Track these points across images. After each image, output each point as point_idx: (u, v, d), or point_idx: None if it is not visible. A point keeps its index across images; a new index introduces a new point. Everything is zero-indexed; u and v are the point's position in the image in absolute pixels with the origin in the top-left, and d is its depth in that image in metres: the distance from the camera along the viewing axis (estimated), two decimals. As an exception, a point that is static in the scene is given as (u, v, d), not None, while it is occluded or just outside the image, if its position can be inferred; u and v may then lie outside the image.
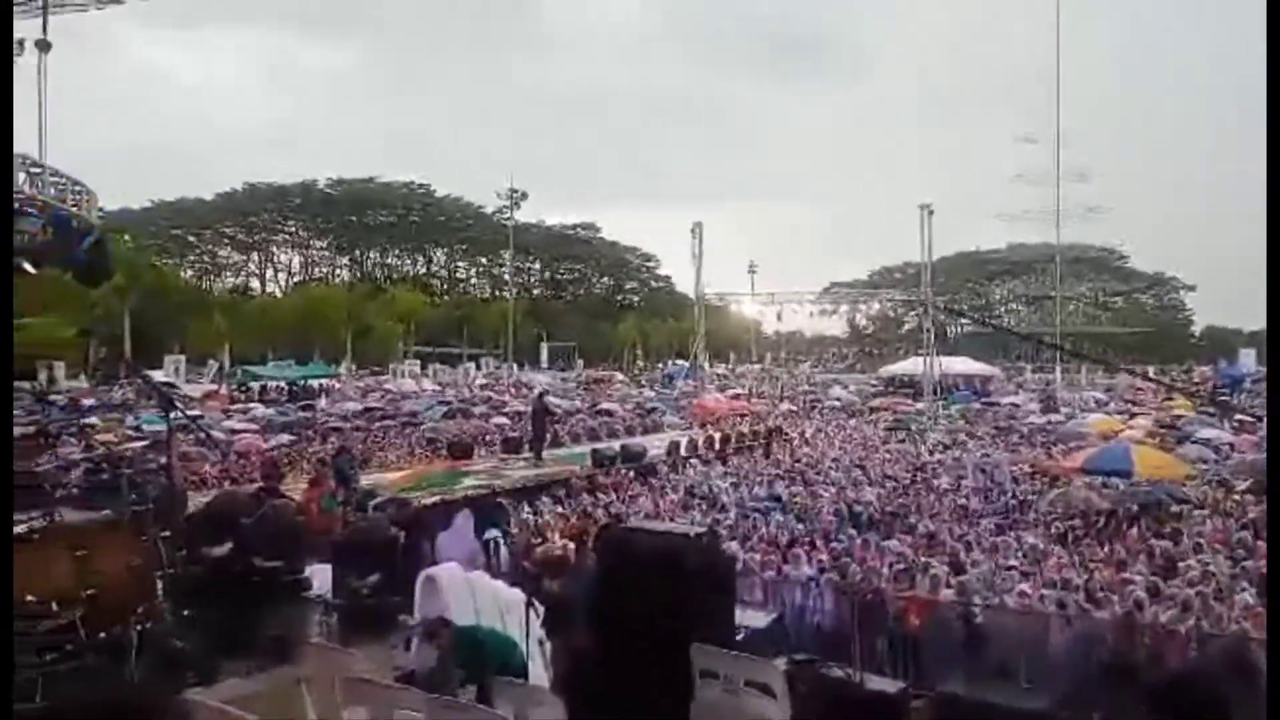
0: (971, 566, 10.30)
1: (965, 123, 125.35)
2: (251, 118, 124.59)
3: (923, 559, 10.52)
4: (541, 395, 25.88)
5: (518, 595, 6.74)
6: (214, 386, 41.79)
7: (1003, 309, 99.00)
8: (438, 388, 47.08)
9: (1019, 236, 79.08)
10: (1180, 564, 10.45)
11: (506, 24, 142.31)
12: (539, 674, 5.72)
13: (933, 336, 37.93)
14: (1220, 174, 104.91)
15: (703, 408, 35.64)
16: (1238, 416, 28.41)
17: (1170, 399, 37.25)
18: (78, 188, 11.36)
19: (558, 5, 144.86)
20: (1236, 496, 15.16)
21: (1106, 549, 11.67)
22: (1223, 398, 36.68)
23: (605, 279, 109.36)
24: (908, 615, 8.92)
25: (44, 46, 16.60)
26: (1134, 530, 12.81)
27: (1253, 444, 22.82)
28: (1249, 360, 61.18)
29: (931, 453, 23.15)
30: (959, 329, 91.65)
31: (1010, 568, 10.35)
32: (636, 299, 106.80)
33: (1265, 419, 21.92)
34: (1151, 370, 54.02)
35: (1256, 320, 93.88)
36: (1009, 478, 18.05)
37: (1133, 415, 31.98)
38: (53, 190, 10.63)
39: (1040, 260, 78.02)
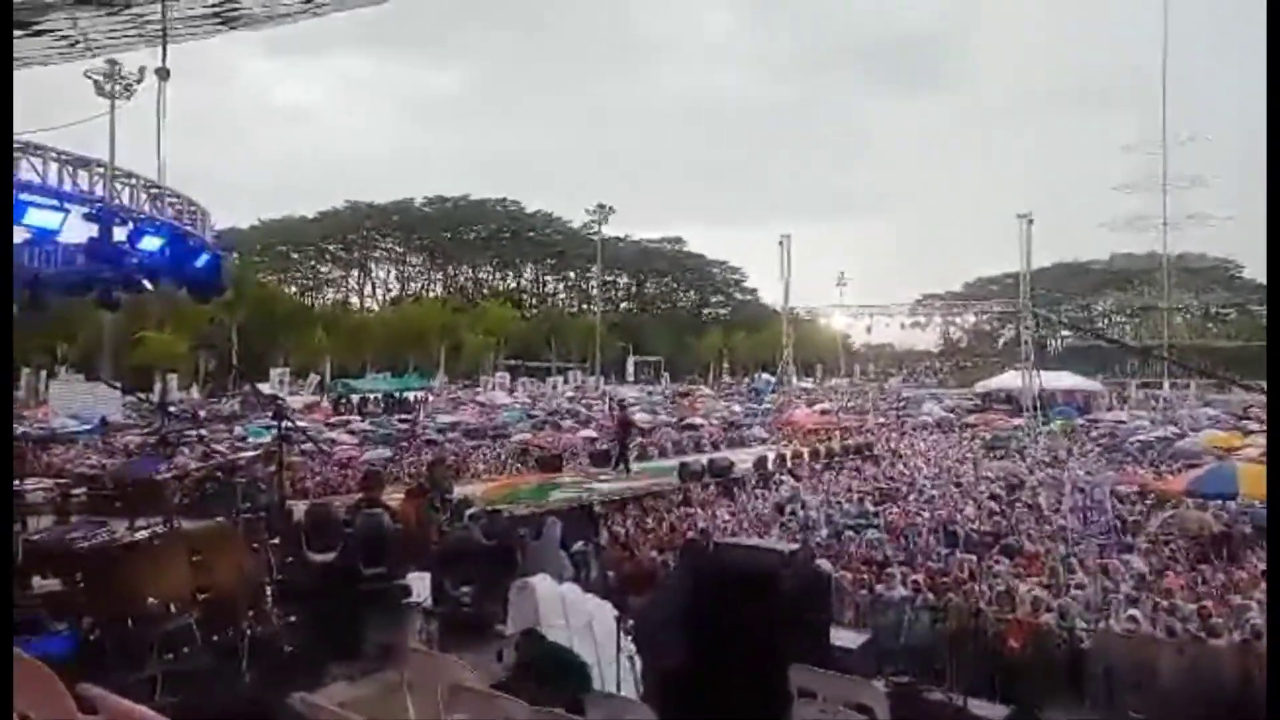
0: (1075, 589, 9.94)
1: (1068, 129, 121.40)
2: (355, 139, 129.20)
3: (1023, 580, 10.20)
4: (624, 407, 26.04)
5: (608, 608, 6.80)
6: (315, 398, 43.33)
7: (1105, 320, 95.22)
8: (527, 400, 47.77)
9: (1124, 246, 76.15)
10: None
11: (598, 40, 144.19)
12: (630, 688, 5.75)
13: (1031, 349, 36.69)
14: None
15: (790, 422, 35.27)
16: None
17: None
18: (193, 207, 11.97)
19: (649, 19, 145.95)
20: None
21: (1221, 574, 11.11)
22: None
23: (691, 293, 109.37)
24: (1007, 638, 8.66)
25: (163, 75, 17.57)
26: (1250, 554, 12.15)
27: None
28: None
29: (1031, 471, 22.39)
30: (1059, 342, 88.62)
31: (1116, 591, 9.95)
32: (723, 312, 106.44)
33: (1266, 419, 20.57)
34: (1266, 386, 51.10)
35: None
36: (1112, 497, 17.33)
37: (1247, 433, 30.31)
38: (170, 211, 11.23)
39: (1145, 270, 74.88)
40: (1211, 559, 11.95)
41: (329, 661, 5.66)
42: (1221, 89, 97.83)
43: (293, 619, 6.54)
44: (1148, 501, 16.77)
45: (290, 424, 10.16)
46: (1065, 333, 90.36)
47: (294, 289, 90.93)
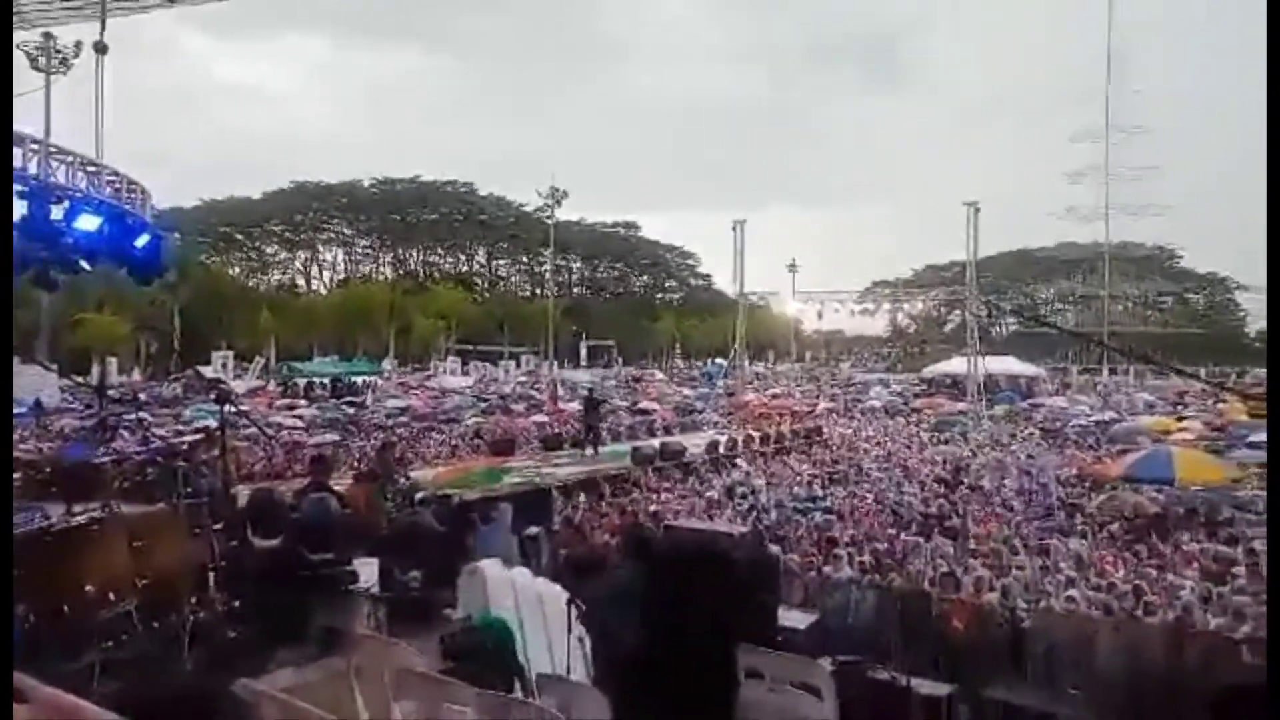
0: (1016, 570, 10.17)
1: (1018, 121, 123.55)
2: (303, 120, 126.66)
3: (967, 561, 10.41)
4: (592, 391, 26.03)
5: (559, 592, 6.79)
6: (260, 382, 42.55)
7: (1048, 308, 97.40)
8: (479, 384, 47.47)
9: (1070, 235, 77.83)
10: (1231, 570, 10.23)
11: (558, 28, 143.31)
12: (580, 670, 5.75)
13: (977, 336, 37.38)
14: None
15: (742, 407, 35.54)
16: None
17: (1222, 402, 36.37)
18: (133, 186, 11.62)
19: (609, 10, 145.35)
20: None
21: (1155, 554, 11.46)
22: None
23: (645, 277, 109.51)
24: (951, 618, 8.83)
25: (101, 49, 17.03)
26: (1184, 535, 12.55)
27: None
28: (1306, 362, 59.45)
29: (975, 454, 22.85)
30: (1003, 329, 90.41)
31: (1056, 572, 10.21)
32: (676, 297, 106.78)
33: (1266, 418, 21.32)
34: (1203, 373, 52.82)
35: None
36: (1054, 480, 17.76)
37: (1181, 419, 31.26)
38: (109, 189, 10.90)
39: (1089, 259, 76.65)
40: (1146, 540, 12.30)
41: (274, 648, 5.58)
42: (1164, 83, 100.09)
43: (236, 605, 6.43)
44: (1086, 484, 17.20)
45: (233, 408, 9.97)
46: (1010, 319, 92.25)
47: (238, 271, 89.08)
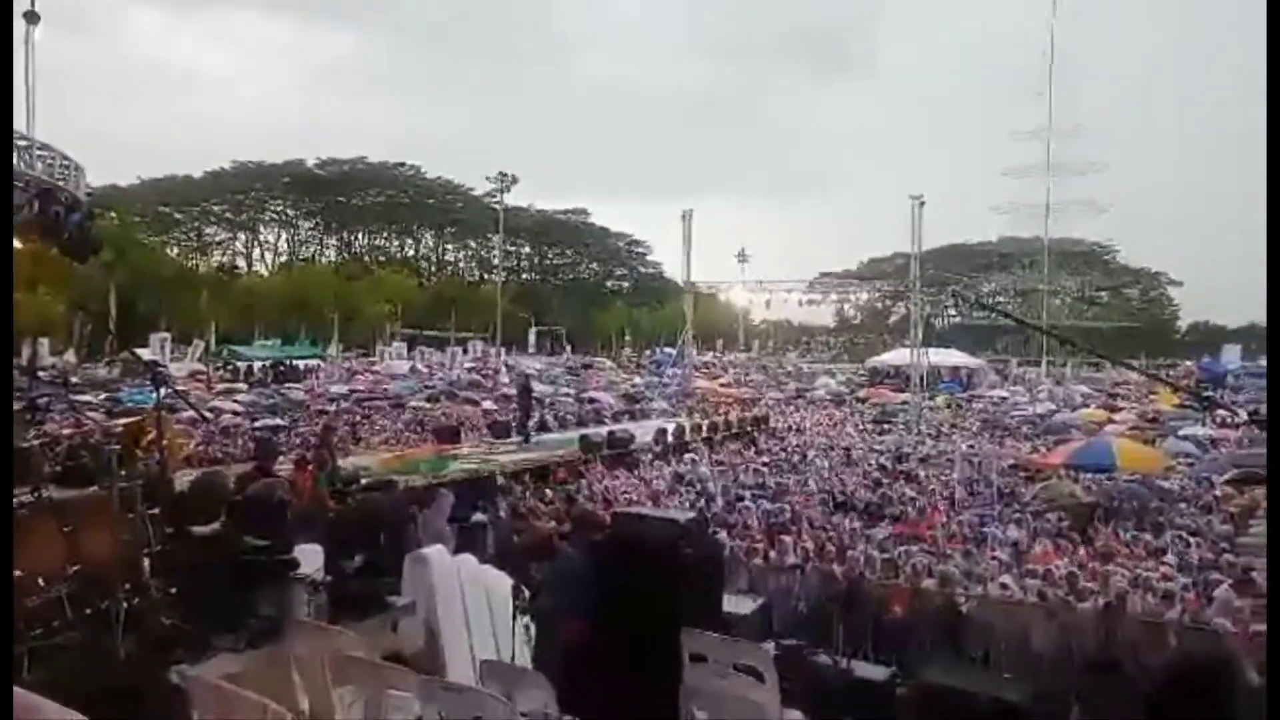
0: (955, 557, 10.39)
1: (963, 117, 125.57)
2: (246, 99, 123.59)
3: (906, 548, 10.60)
4: (525, 376, 25.87)
5: (505, 579, 6.77)
6: (200, 366, 41.54)
7: (990, 301, 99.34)
8: (425, 370, 46.94)
9: (1011, 230, 79.39)
10: (1161, 556, 10.58)
11: (508, 13, 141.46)
12: (526, 657, 5.75)
13: (920, 328, 38.00)
14: (1211, 172, 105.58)
15: (690, 395, 35.69)
16: (1220, 411, 28.68)
17: (1154, 393, 37.55)
18: (65, 163, 11.23)
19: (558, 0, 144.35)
20: (1217, 491, 15.31)
21: (1089, 541, 11.78)
22: (1206, 393, 36.97)
23: (595, 265, 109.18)
24: (891, 603, 9.00)
25: (32, 19, 16.38)
26: (1116, 523, 12.93)
27: (1234, 439, 23.08)
28: (1233, 355, 61.77)
29: (917, 444, 23.27)
30: (945, 321, 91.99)
31: (993, 558, 10.44)
32: (626, 285, 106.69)
33: (1267, 419, 22.06)
34: (1137, 365, 54.37)
35: (1242, 316, 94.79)
36: (994, 470, 18.16)
37: (1116, 410, 32.21)
38: (40, 165, 10.51)
39: (1029, 254, 78.31)
40: (1081, 528, 12.64)
41: (211, 635, 5.47)
42: (1103, 83, 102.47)
43: (173, 592, 6.28)
44: (1023, 474, 17.62)
45: (170, 391, 9.72)
46: (951, 311, 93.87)
47: (177, 251, 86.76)
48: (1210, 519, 13.19)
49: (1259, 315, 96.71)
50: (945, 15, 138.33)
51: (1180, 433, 23.50)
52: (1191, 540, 11.50)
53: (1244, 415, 28.10)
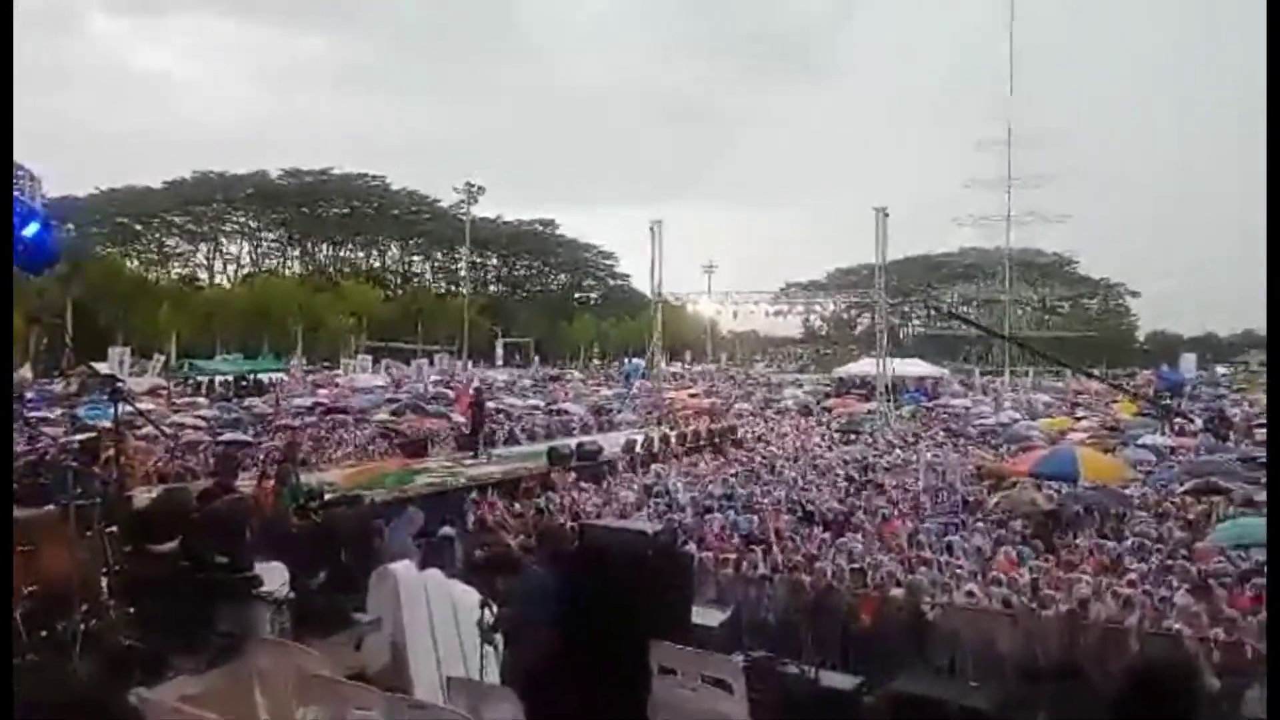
0: (921, 565, 10.47)
1: (927, 128, 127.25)
2: (208, 108, 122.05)
3: (874, 557, 10.66)
4: (479, 392, 25.69)
5: (472, 594, 6.70)
6: (160, 380, 40.84)
7: (955, 310, 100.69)
8: (391, 383, 46.53)
9: (974, 241, 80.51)
10: (1123, 564, 10.74)
11: (472, 20, 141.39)
12: (494, 672, 5.70)
13: (885, 338, 38.37)
14: (1170, 183, 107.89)
15: (659, 406, 35.71)
16: (1177, 420, 29.23)
17: (1115, 401, 38.18)
18: (20, 171, 11.02)
19: (528, 4, 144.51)
20: (1176, 499, 15.57)
21: (1052, 549, 11.92)
22: (1164, 402, 37.68)
23: (563, 276, 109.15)
24: (859, 613, 9.05)
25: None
26: (1078, 531, 13.10)
27: (1191, 447, 23.51)
28: (1190, 365, 63.07)
29: (883, 453, 23.44)
30: (910, 331, 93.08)
31: (959, 566, 10.53)
32: (594, 296, 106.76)
33: (1267, 419, 22.48)
34: (1097, 374, 55.35)
35: (1199, 326, 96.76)
36: (959, 478, 18.34)
37: (1078, 419, 32.68)
38: (-6, 175, 10.31)
39: (991, 264, 79.43)
40: (1043, 536, 12.79)
41: (171, 655, 5.36)
42: (1064, 94, 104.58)
43: (132, 611, 6.15)
44: (987, 482, 17.80)
45: (129, 406, 9.56)
46: (917, 321, 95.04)
47: (137, 263, 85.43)
48: (1169, 526, 13.40)
49: (1215, 324, 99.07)
50: (910, 26, 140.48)
51: (1139, 441, 23.88)
52: (1151, 547, 11.68)
53: (1199, 423, 28.72)
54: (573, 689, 4.50)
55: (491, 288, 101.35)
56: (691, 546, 10.77)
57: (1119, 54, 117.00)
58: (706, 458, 22.52)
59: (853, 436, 28.39)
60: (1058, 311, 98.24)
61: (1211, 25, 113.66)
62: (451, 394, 38.47)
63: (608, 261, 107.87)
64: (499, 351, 71.92)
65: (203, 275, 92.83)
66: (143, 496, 8.71)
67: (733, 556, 10.78)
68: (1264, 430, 29.21)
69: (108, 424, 8.89)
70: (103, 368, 36.85)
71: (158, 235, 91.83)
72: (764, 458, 22.28)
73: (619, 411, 34.46)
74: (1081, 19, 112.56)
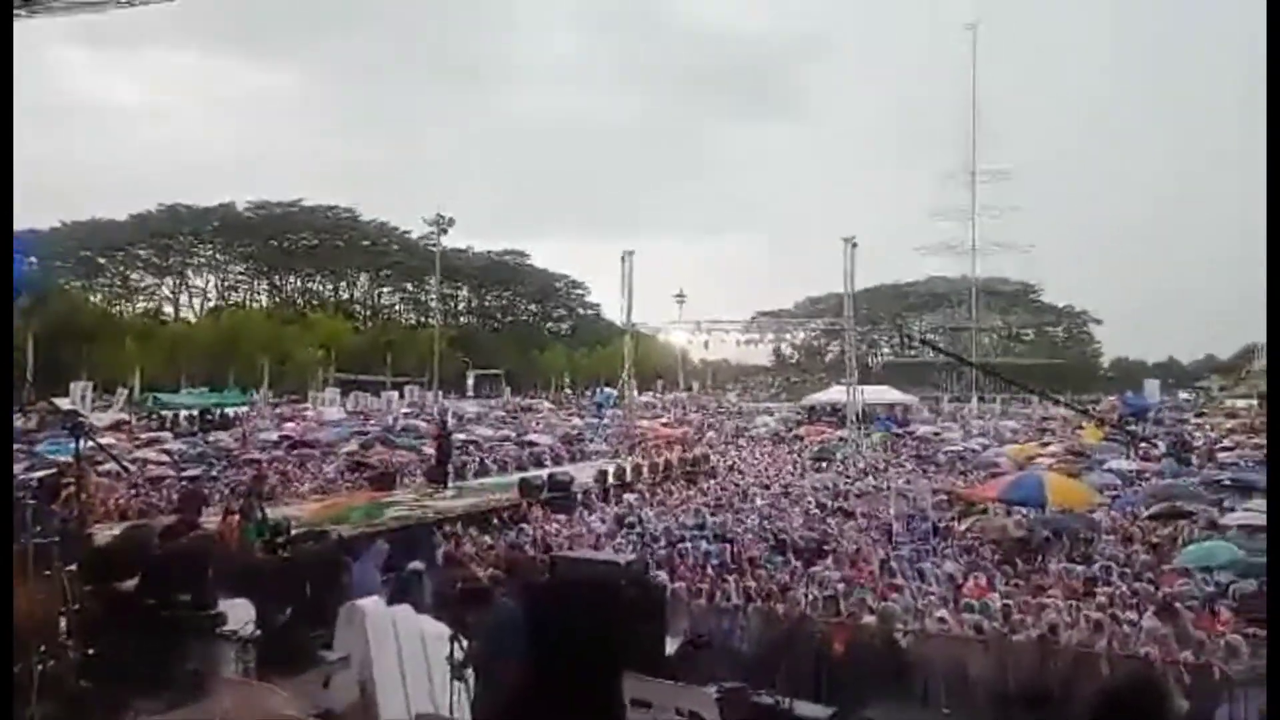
0: (893, 592, 10.49)
1: (894, 160, 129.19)
2: (174, 140, 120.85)
3: (846, 585, 10.67)
4: (444, 424, 25.50)
5: (442, 628, 6.62)
6: (123, 415, 40.16)
7: (925, 339, 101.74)
8: (359, 416, 46.11)
9: (941, 270, 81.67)
10: (1092, 588, 10.82)
11: (442, 54, 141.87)
12: (465, 707, 5.62)
13: (854, 366, 38.72)
14: (1130, 212, 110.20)
15: (631, 436, 35.67)
16: (1142, 445, 29.64)
17: (1081, 428, 38.66)
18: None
19: (494, 36, 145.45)
20: (1142, 523, 15.76)
21: (1021, 574, 12.00)
22: (1129, 427, 38.23)
23: (534, 306, 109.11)
24: (832, 641, 9.04)
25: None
26: (1047, 556, 13.21)
27: (1155, 471, 23.85)
28: (1153, 390, 64.14)
29: (854, 480, 23.54)
30: (879, 359, 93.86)
31: (931, 593, 10.57)
32: (565, 326, 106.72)
33: (1266, 419, 22.83)
34: (1063, 400, 56.04)
35: (1160, 353, 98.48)
36: (930, 505, 18.46)
37: (1045, 444, 33.05)
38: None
39: (957, 293, 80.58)
40: (1013, 562, 12.88)
41: (132, 697, 5.23)
42: (1026, 127, 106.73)
43: (91, 653, 6.00)
44: (957, 508, 17.93)
45: (91, 442, 9.39)
46: (885, 350, 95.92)
47: (100, 297, 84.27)
48: (1136, 549, 13.56)
49: (1177, 350, 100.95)
50: (876, 60, 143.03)
51: (1105, 466, 24.19)
52: (1118, 571, 11.79)
53: (1162, 448, 29.17)
54: (545, 723, 4.45)
55: (462, 319, 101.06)
56: (664, 576, 10.72)
57: (1080, 90, 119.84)
58: (679, 487, 22.48)
59: (824, 464, 28.50)
60: (1023, 339, 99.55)
61: (1170, 65, 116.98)
62: (422, 426, 38.23)
63: (578, 291, 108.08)
64: (470, 382, 71.54)
65: (168, 309, 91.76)
66: (104, 534, 8.54)
67: (705, 586, 10.76)
68: (1225, 454, 29.81)
69: (69, 459, 8.71)
70: (64, 403, 36.22)
71: (122, 269, 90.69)
72: (736, 486, 22.29)
73: (590, 441, 34.37)
74: (1043, 56, 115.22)
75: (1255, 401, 56.10)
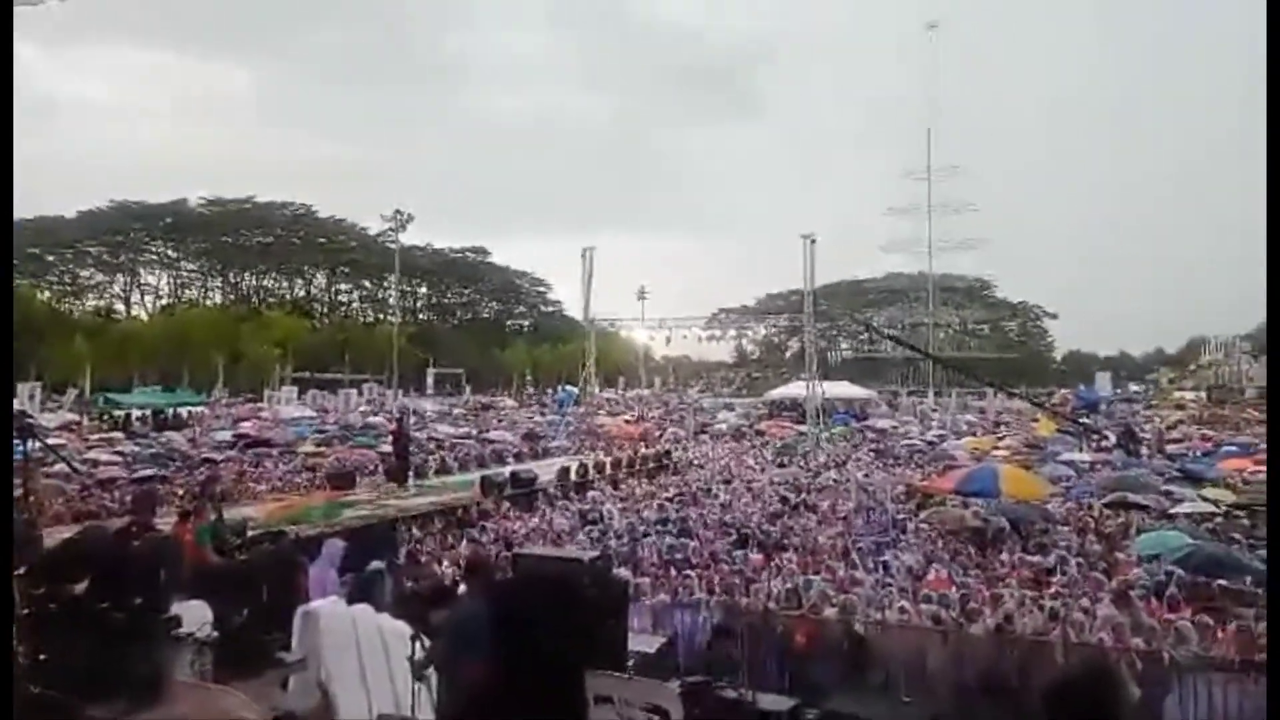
0: (854, 585, 10.59)
1: (853, 157, 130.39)
2: (125, 136, 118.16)
3: (808, 578, 10.75)
4: (401, 419, 25.27)
5: (403, 628, 6.55)
6: (73, 415, 39.26)
7: (892, 335, 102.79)
8: (317, 415, 45.53)
9: (899, 267, 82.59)
10: (1046, 578, 11.03)
11: (402, 52, 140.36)
12: (427, 707, 5.57)
13: (815, 361, 39.02)
14: (1083, 208, 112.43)
15: (593, 433, 35.66)
16: (1094, 437, 30.27)
17: (1035, 420, 39.38)
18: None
19: (454, 34, 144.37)
20: (1095, 513, 16.09)
21: (978, 565, 12.18)
22: (1082, 420, 39.00)
23: (495, 303, 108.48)
24: (794, 634, 9.10)
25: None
26: (1003, 546, 13.42)
27: (1108, 463, 24.37)
28: (1105, 383, 65.53)
29: (815, 474, 23.74)
30: (838, 354, 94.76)
31: (891, 584, 10.69)
32: (527, 324, 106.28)
33: (1266, 419, 23.29)
34: (1019, 393, 57.05)
35: (1111, 347, 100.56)
36: (889, 498, 18.67)
37: (1000, 438, 33.61)
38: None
39: (914, 289, 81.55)
40: (969, 552, 13.08)
41: (84, 704, 5.11)
42: (982, 127, 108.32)
43: (41, 658, 5.86)
44: (915, 500, 18.17)
45: (39, 442, 9.16)
46: (844, 345, 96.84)
47: (49, 295, 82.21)
48: (1089, 539, 13.83)
49: (1129, 344, 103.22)
50: (835, 61, 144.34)
51: (1059, 458, 24.65)
52: (1072, 560, 12.02)
53: (1113, 439, 29.80)
54: (507, 721, 4.43)
55: (421, 316, 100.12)
56: (627, 572, 10.72)
57: (1035, 89, 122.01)
58: (641, 483, 22.51)
59: (784, 460, 28.70)
60: (978, 334, 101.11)
61: (1125, 66, 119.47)
62: (381, 424, 37.85)
63: (540, 289, 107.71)
64: (430, 380, 70.97)
65: (120, 307, 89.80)
66: (54, 536, 8.34)
67: (669, 581, 10.78)
68: (1174, 445, 30.55)
69: (16, 461, 8.49)
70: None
71: (71, 266, 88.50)
72: (699, 481, 22.37)
73: (553, 439, 34.29)
74: (1000, 56, 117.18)
75: (1203, 393, 57.58)
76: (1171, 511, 15.59)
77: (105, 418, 40.84)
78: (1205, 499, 16.97)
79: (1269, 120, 4.19)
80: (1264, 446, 26.94)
